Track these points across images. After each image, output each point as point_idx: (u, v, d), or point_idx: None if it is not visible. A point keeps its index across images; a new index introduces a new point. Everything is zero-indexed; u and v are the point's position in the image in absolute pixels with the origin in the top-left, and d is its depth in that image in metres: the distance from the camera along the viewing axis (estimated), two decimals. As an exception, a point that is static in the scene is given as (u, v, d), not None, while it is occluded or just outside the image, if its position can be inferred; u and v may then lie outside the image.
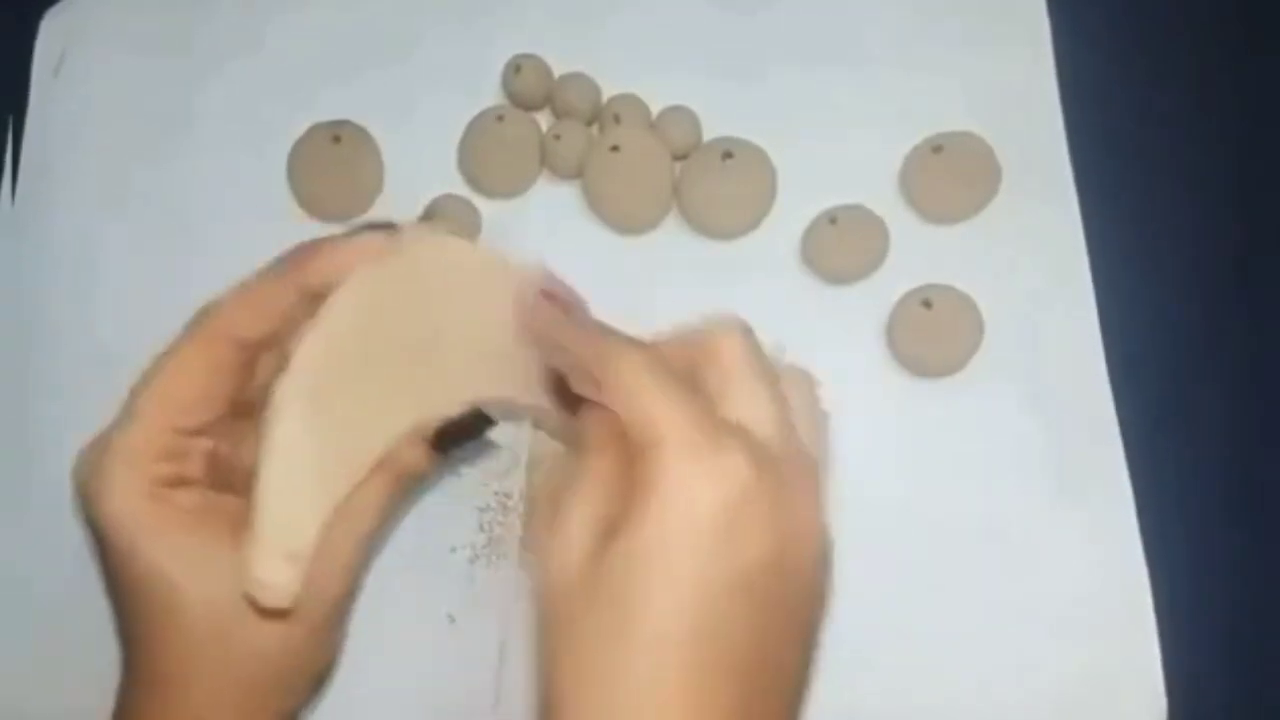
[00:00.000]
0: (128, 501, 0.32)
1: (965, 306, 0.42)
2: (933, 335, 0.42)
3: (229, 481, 0.34)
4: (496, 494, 0.42)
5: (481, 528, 0.42)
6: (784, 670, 0.31)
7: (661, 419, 0.29)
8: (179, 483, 0.33)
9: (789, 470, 0.30)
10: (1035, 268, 0.43)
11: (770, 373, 0.32)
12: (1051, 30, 0.46)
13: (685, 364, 0.32)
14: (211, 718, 0.33)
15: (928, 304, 0.42)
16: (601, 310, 0.43)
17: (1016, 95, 0.45)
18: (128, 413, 0.33)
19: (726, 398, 0.31)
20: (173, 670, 0.33)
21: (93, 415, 0.44)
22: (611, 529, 0.29)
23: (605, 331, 0.33)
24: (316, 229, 0.46)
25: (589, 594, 0.29)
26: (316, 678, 0.37)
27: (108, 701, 0.41)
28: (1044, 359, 0.42)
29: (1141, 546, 0.40)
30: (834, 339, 0.43)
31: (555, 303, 0.35)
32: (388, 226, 0.35)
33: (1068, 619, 0.40)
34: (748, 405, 0.31)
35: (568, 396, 0.34)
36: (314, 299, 0.33)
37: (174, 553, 0.32)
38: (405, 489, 0.36)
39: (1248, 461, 0.42)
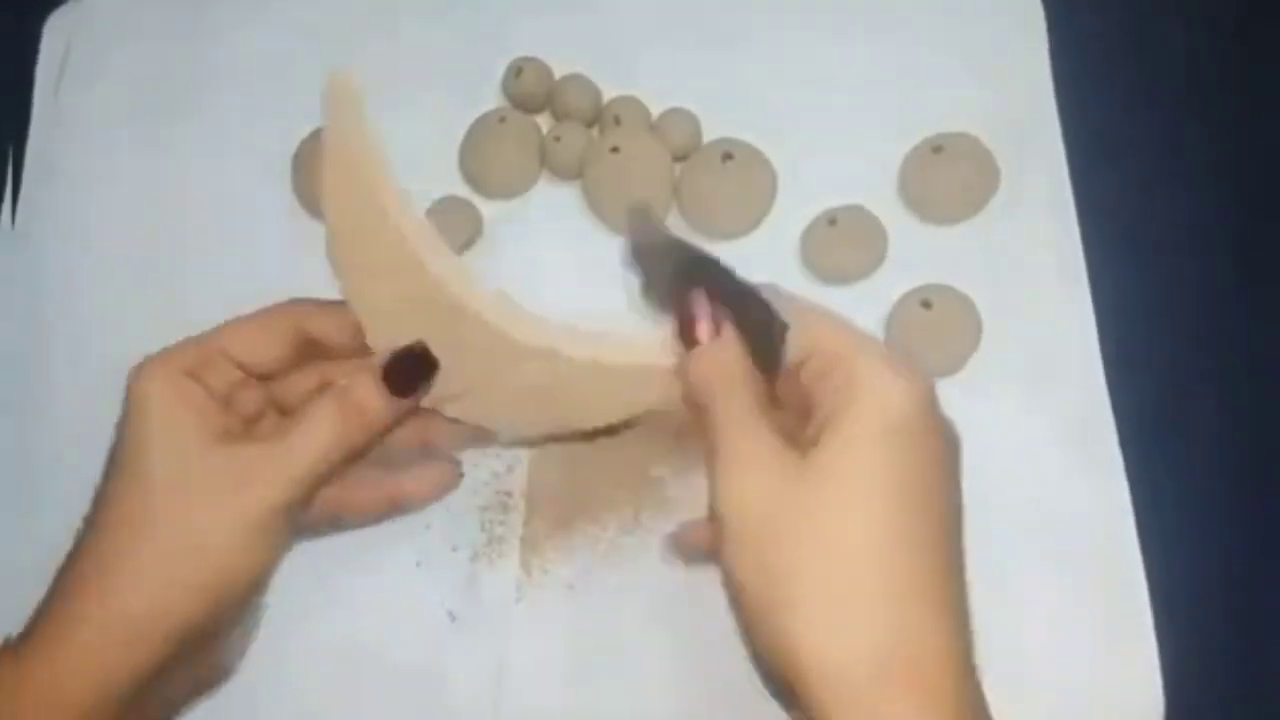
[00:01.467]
0: (149, 377, 0.35)
1: (964, 306, 0.42)
2: (932, 335, 0.42)
3: (231, 409, 0.36)
4: (497, 493, 0.42)
5: (482, 527, 0.42)
6: (955, 529, 0.33)
7: (847, 339, 0.33)
8: (194, 378, 0.35)
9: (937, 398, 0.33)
10: (1034, 268, 0.43)
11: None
12: (1050, 31, 0.46)
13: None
14: (118, 607, 0.33)
15: (927, 304, 0.42)
16: (601, 311, 0.44)
17: (1016, 96, 0.45)
18: None
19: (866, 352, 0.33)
20: (111, 545, 0.34)
21: (93, 415, 0.45)
22: (810, 440, 0.32)
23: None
24: (318, 229, 0.46)
25: (798, 504, 0.31)
26: (207, 668, 0.37)
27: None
28: (1042, 359, 0.42)
29: (1141, 547, 0.40)
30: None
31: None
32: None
33: (1067, 619, 0.40)
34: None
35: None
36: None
37: (163, 425, 0.35)
38: (358, 434, 0.36)
39: (1247, 461, 0.42)
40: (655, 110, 0.46)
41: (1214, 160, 0.45)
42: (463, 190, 0.46)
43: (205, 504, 0.34)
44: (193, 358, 0.36)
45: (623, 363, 0.36)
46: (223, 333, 0.37)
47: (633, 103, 0.46)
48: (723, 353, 0.34)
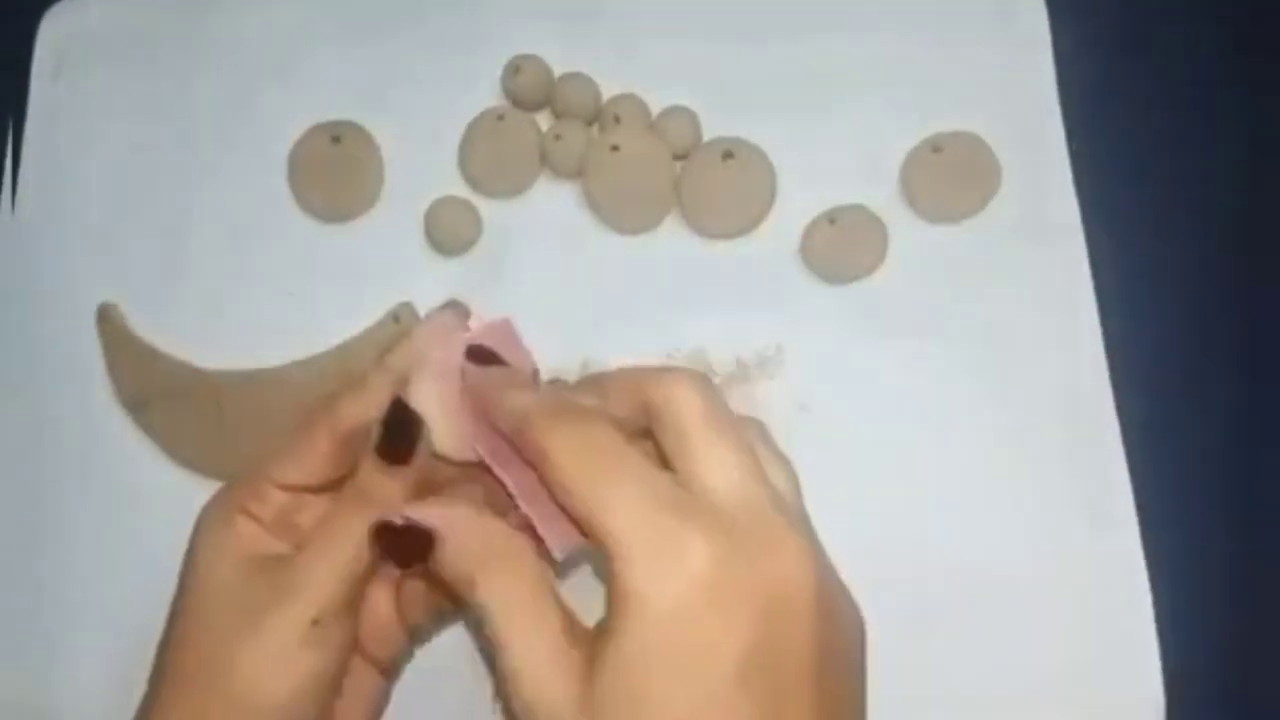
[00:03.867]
0: (207, 516, 0.35)
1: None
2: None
3: (289, 533, 0.35)
4: (497, 494, 0.42)
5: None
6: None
7: (609, 521, 0.28)
8: (246, 514, 0.35)
9: (764, 532, 0.29)
10: (1035, 268, 0.43)
11: (733, 424, 0.31)
12: (1051, 30, 0.45)
13: (634, 410, 0.31)
14: None
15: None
16: (601, 311, 0.44)
17: (1016, 95, 0.45)
18: None
19: (685, 457, 0.30)
20: (167, 678, 0.33)
21: (93, 414, 0.45)
22: (594, 650, 0.29)
23: (530, 404, 0.32)
24: (316, 229, 0.46)
25: (592, 714, 0.28)
26: None
27: (110, 703, 0.42)
28: (1044, 358, 0.42)
29: (1141, 547, 0.40)
30: (834, 339, 0.43)
31: (483, 364, 0.34)
32: (457, 305, 0.37)
33: (1067, 619, 0.40)
34: (709, 465, 0.30)
35: None
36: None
37: (208, 564, 0.34)
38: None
39: (1248, 461, 0.42)
40: (655, 108, 0.46)
41: (1218, 158, 0.45)
42: (462, 189, 0.46)
43: (239, 631, 0.33)
44: (242, 491, 0.35)
45: None
46: (268, 458, 0.35)
47: (633, 101, 0.46)
48: (484, 523, 0.31)
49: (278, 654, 0.33)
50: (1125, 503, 0.41)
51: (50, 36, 0.50)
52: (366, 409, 0.35)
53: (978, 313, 0.43)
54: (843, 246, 0.44)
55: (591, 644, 0.29)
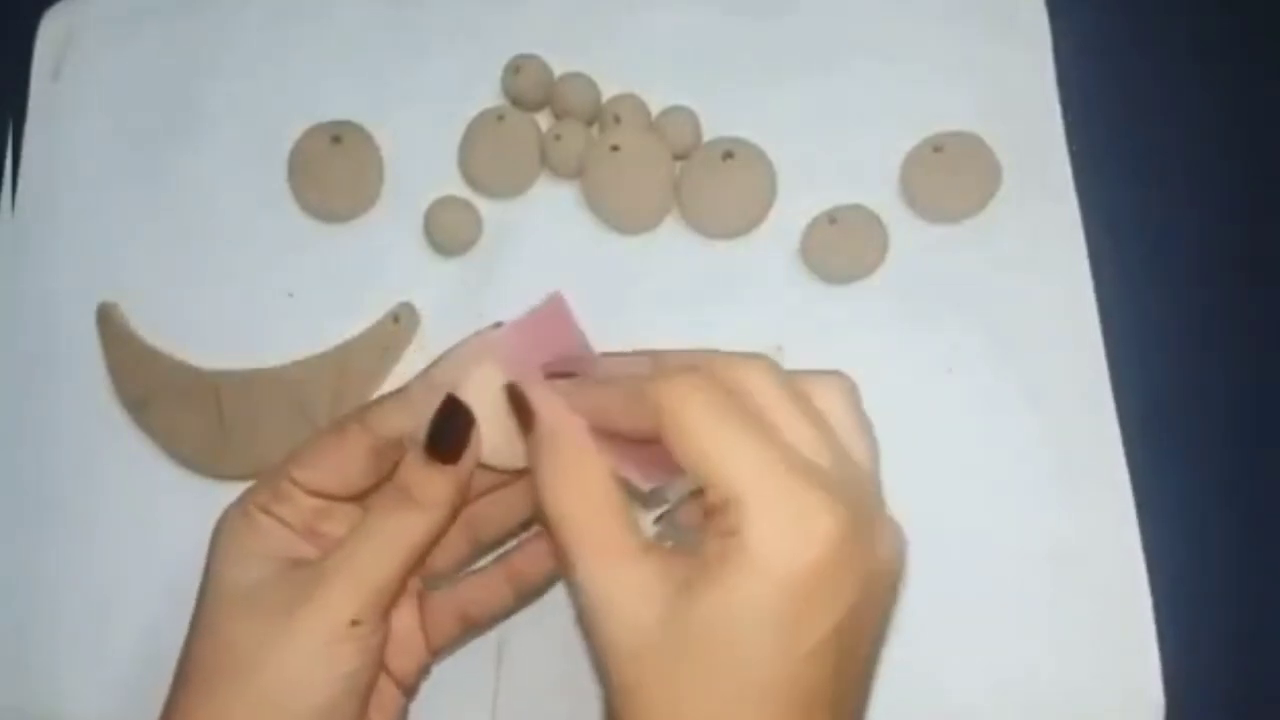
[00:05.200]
0: (228, 517, 0.35)
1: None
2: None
3: (316, 539, 0.35)
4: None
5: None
6: (861, 692, 0.31)
7: (739, 474, 0.28)
8: (269, 514, 0.34)
9: (868, 511, 0.30)
10: (1035, 268, 0.43)
11: (808, 403, 0.31)
12: (1051, 30, 0.46)
13: (650, 431, 0.31)
14: None
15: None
16: (601, 311, 0.44)
17: (1016, 95, 0.45)
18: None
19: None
20: (196, 679, 0.33)
21: (93, 414, 0.45)
22: (686, 584, 0.29)
23: (636, 377, 0.31)
24: (316, 229, 0.46)
25: (671, 652, 0.28)
26: None
27: (110, 704, 0.42)
28: (1044, 358, 0.42)
29: (1141, 546, 0.40)
30: (834, 339, 0.43)
31: (560, 375, 0.34)
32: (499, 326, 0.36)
33: (1067, 619, 0.40)
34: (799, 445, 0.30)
35: None
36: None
37: (230, 559, 0.34)
38: (418, 523, 0.34)
39: (1248, 461, 0.42)
40: (655, 108, 0.46)
41: (1218, 158, 0.45)
42: (462, 189, 0.46)
43: (269, 628, 0.32)
44: (264, 492, 0.35)
45: None
46: (293, 461, 0.35)
47: (633, 101, 0.46)
48: (583, 469, 0.31)
49: (315, 652, 0.32)
50: (1125, 502, 0.41)
51: (50, 36, 0.50)
52: (405, 419, 0.35)
53: (977, 313, 0.43)
54: (843, 246, 0.44)
55: (678, 572, 0.29)
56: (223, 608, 0.33)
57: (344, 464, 0.35)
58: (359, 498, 0.36)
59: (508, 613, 0.38)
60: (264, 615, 0.32)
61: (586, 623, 0.30)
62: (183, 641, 0.34)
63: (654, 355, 0.34)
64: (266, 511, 0.34)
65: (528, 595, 0.38)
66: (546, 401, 0.33)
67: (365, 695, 0.34)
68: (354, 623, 0.32)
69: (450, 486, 0.34)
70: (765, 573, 0.28)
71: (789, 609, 0.28)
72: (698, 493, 0.33)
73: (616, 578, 0.29)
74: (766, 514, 0.28)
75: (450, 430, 0.34)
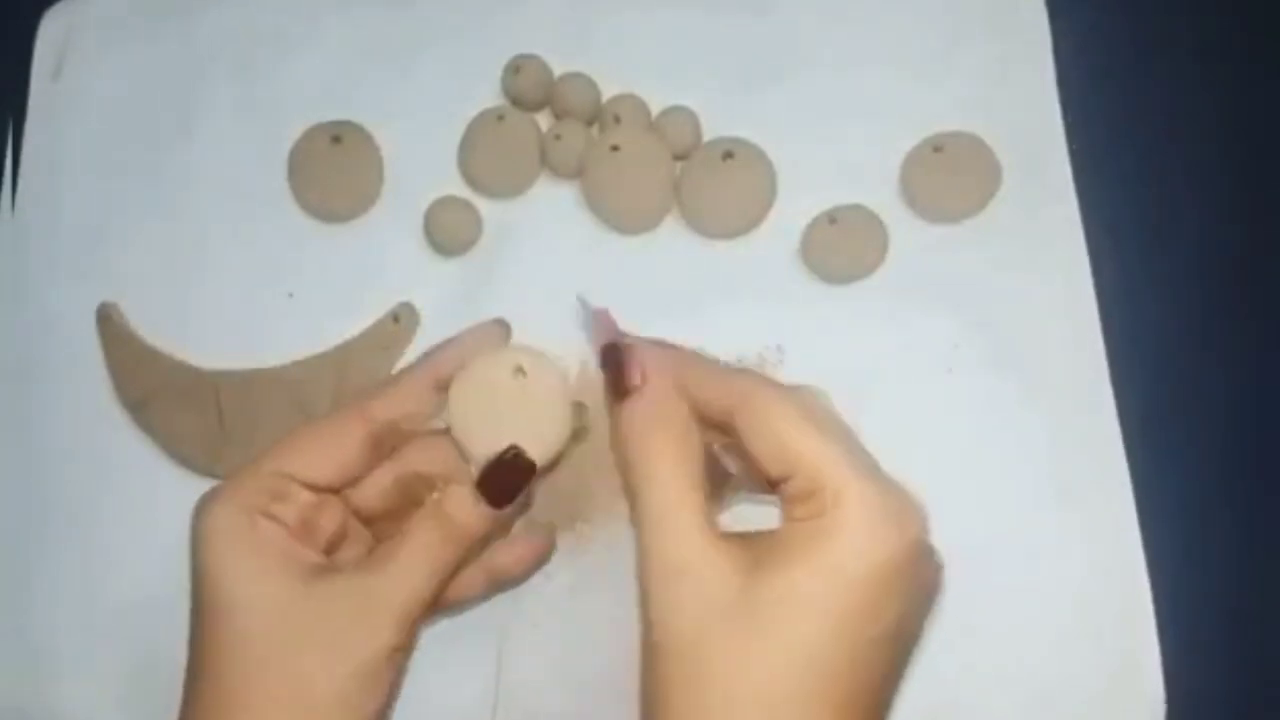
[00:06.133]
0: (219, 519, 0.34)
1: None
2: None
3: (312, 537, 0.35)
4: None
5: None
6: (895, 690, 0.32)
7: (836, 466, 0.30)
8: (269, 517, 0.34)
9: (926, 526, 0.31)
10: (1037, 267, 0.43)
11: (838, 423, 0.32)
12: (1051, 30, 0.46)
13: (723, 409, 0.33)
14: None
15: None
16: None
17: (1016, 95, 0.45)
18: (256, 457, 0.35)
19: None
20: (224, 694, 0.33)
21: (93, 414, 0.45)
22: (758, 561, 0.30)
23: (737, 373, 0.34)
24: (316, 229, 0.46)
25: (740, 620, 0.30)
26: None
27: (110, 704, 0.42)
28: (1044, 358, 0.42)
29: (1141, 546, 0.40)
30: (834, 339, 0.43)
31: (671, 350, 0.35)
32: (500, 321, 0.38)
33: (1067, 619, 0.40)
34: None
35: None
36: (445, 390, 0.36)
37: (249, 575, 0.33)
38: (458, 554, 0.35)
39: (1248, 461, 0.42)
40: (655, 108, 0.46)
41: (1218, 158, 0.45)
42: (462, 189, 0.46)
43: (312, 652, 0.32)
44: (259, 490, 0.34)
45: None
46: (285, 454, 0.35)
47: (633, 101, 0.46)
48: (685, 432, 0.33)
49: (368, 675, 0.33)
50: (1125, 501, 0.41)
51: (50, 36, 0.50)
52: (401, 406, 0.35)
53: (977, 313, 0.43)
54: (843, 246, 0.44)
55: (750, 550, 0.30)
56: (249, 630, 0.33)
57: (343, 453, 0.35)
58: (349, 486, 0.36)
59: (478, 601, 0.39)
60: (302, 643, 0.32)
61: (654, 577, 0.31)
62: (184, 643, 0.34)
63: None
64: (266, 514, 0.34)
65: (503, 586, 0.39)
66: (656, 358, 0.34)
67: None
68: (397, 649, 0.33)
69: (495, 524, 0.35)
70: (856, 557, 0.29)
71: (867, 595, 0.29)
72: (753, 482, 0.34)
73: (694, 541, 0.31)
74: (864, 505, 0.30)
75: (510, 484, 0.35)
